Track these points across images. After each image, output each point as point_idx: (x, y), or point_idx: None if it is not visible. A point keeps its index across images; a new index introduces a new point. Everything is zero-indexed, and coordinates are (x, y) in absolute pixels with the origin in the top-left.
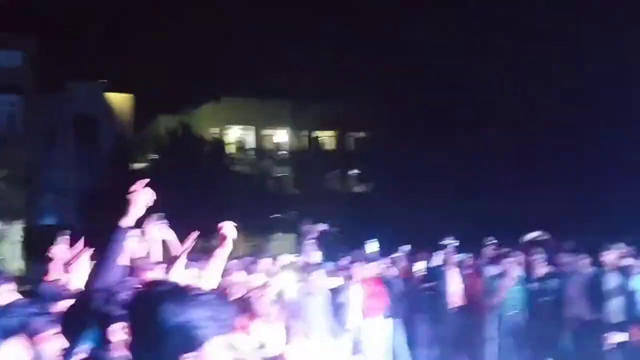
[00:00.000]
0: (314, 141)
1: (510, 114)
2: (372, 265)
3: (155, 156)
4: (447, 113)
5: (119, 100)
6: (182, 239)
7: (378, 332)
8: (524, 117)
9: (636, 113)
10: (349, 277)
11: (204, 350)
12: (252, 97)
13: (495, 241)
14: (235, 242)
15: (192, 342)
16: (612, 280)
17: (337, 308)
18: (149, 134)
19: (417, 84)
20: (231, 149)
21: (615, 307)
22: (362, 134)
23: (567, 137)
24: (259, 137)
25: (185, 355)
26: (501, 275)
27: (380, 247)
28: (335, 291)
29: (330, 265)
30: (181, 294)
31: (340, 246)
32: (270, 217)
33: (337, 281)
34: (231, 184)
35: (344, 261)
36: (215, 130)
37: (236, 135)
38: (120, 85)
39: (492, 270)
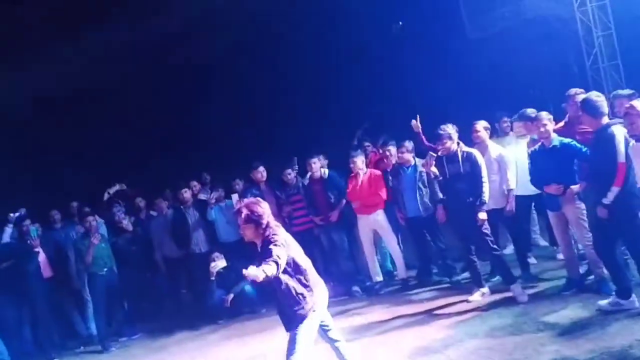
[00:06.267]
0: None
1: None
2: None
3: None
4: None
5: None
6: None
7: None
8: None
9: None
10: None
11: None
12: None
13: (76, 204)
14: None
15: None
16: (192, 216)
17: None
18: None
19: None
20: None
21: (198, 240)
22: None
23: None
24: None
25: None
26: (87, 235)
27: None
28: None
29: None
30: None
31: None
32: None
33: None
34: None
35: None
36: None
37: None
38: None
39: (77, 231)
